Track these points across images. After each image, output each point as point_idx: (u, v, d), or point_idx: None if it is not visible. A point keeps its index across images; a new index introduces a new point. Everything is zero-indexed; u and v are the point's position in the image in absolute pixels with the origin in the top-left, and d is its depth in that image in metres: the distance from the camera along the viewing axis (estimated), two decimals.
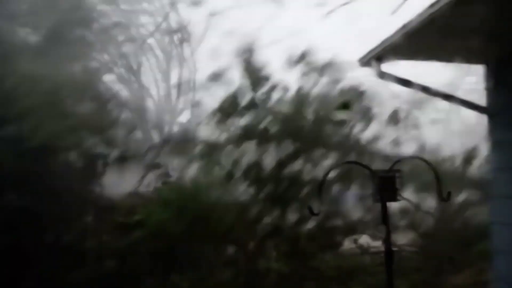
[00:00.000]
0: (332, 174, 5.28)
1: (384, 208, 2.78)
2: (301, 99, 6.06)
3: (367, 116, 6.19)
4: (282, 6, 8.12)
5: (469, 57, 4.08)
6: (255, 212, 5.98)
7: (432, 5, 3.13)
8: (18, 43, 6.65)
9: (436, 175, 2.93)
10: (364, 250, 6.33)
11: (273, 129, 6.01)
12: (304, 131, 6.00)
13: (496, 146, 3.99)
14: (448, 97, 4.15)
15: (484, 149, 4.84)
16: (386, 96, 5.98)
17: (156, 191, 6.36)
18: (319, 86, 6.17)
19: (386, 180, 2.78)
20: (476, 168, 6.36)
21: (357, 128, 6.23)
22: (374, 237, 5.98)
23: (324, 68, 6.10)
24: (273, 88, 6.14)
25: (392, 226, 3.11)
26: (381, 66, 3.86)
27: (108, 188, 6.45)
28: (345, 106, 5.97)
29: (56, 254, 5.52)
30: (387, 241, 2.94)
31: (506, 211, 3.82)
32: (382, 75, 3.90)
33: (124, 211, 5.98)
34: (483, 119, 4.06)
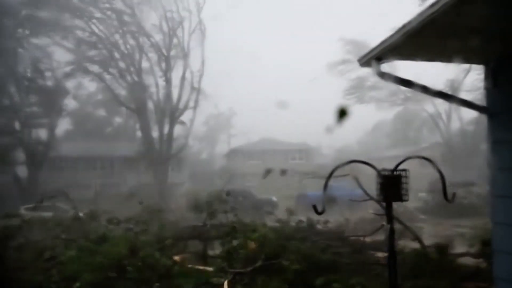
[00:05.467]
0: None
1: (389, 208, 2.73)
2: None
3: None
4: None
5: (469, 57, 4.07)
6: None
7: (432, 5, 3.12)
8: None
9: (441, 175, 2.89)
10: None
11: None
12: None
13: (496, 146, 3.97)
14: (448, 97, 4.14)
15: None
16: None
17: None
18: None
19: (391, 180, 2.72)
20: None
21: None
22: None
23: None
24: None
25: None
26: (381, 66, 3.83)
27: None
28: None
29: None
30: (391, 241, 2.89)
31: (507, 211, 3.81)
32: (382, 75, 3.87)
33: None
34: None
